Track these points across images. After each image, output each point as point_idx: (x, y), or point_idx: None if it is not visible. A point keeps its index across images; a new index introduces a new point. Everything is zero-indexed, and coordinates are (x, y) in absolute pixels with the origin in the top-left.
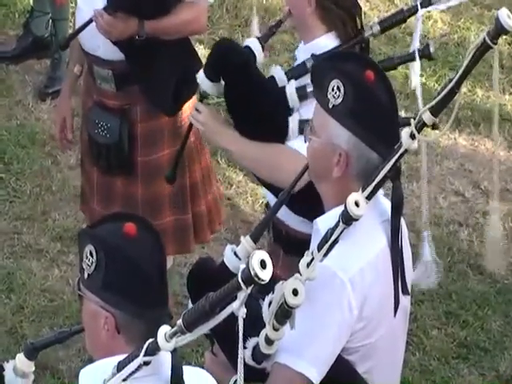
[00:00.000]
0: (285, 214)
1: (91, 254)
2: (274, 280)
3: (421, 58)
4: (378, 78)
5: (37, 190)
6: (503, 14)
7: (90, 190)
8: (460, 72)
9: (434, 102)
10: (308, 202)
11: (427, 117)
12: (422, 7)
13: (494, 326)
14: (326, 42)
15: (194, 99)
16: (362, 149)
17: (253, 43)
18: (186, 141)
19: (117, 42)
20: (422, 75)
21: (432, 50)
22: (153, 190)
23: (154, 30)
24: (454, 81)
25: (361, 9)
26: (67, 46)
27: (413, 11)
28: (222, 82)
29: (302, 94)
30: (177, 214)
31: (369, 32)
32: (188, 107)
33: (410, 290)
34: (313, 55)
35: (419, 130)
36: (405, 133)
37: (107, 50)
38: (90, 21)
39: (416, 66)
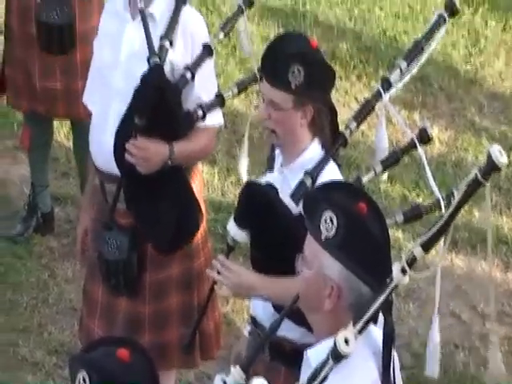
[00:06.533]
0: (286, 330)
1: (84, 380)
2: None
3: (420, 142)
4: (370, 209)
5: (33, 302)
6: (495, 150)
7: (92, 310)
8: (452, 208)
9: (425, 238)
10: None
11: (418, 252)
12: (384, 91)
13: None
14: (313, 152)
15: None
16: (353, 282)
17: (273, 179)
18: (204, 313)
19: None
20: (418, 195)
21: (429, 131)
22: (161, 307)
23: (181, 156)
24: (446, 216)
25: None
26: None
27: (377, 97)
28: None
29: None
30: (184, 329)
31: (347, 131)
32: None
33: None
34: (306, 172)
35: (410, 265)
36: (396, 268)
37: None
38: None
39: (421, 153)
